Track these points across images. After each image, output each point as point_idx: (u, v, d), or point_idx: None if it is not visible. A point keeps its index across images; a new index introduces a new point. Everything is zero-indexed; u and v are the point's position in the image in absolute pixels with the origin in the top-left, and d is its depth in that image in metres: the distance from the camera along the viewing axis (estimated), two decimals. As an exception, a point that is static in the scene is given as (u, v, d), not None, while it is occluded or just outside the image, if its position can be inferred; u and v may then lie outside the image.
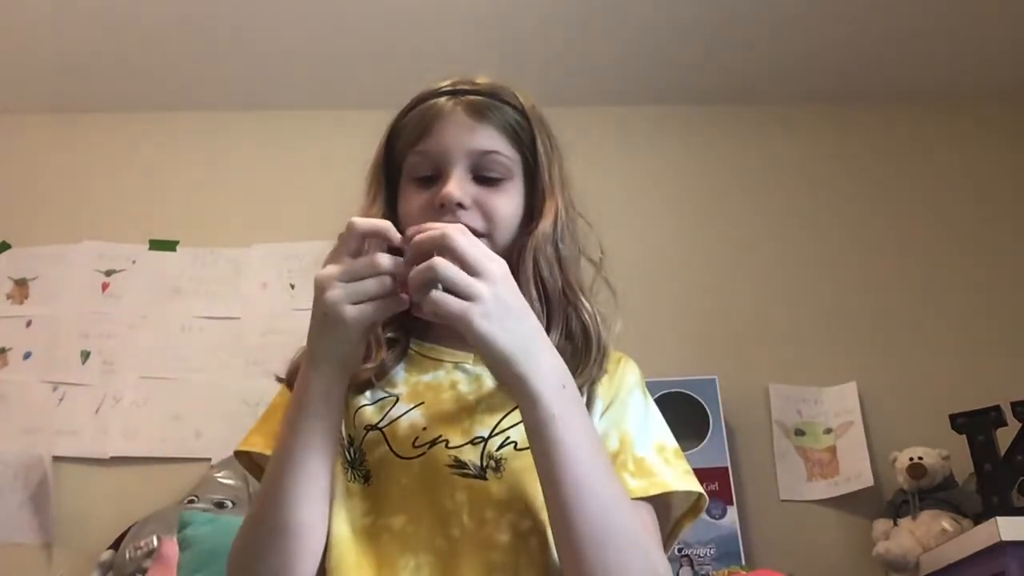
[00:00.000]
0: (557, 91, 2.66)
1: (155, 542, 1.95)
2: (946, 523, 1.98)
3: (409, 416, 0.83)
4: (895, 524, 2.10)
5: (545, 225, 0.87)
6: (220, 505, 2.07)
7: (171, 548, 1.88)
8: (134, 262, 2.55)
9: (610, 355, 0.88)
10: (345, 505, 0.80)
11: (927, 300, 2.48)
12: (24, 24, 2.41)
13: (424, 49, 2.45)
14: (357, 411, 0.85)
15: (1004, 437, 1.90)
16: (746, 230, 2.56)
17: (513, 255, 0.85)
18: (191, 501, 2.09)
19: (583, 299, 0.86)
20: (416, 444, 0.81)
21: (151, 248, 2.57)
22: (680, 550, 2.10)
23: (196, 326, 2.44)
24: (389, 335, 0.86)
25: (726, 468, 2.21)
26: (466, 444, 0.81)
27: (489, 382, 0.85)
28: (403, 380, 0.86)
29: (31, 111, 2.70)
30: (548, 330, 0.81)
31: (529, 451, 0.77)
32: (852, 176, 2.64)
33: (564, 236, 0.89)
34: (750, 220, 2.58)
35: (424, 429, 0.82)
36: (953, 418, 1.96)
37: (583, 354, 0.83)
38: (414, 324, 0.89)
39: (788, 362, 2.39)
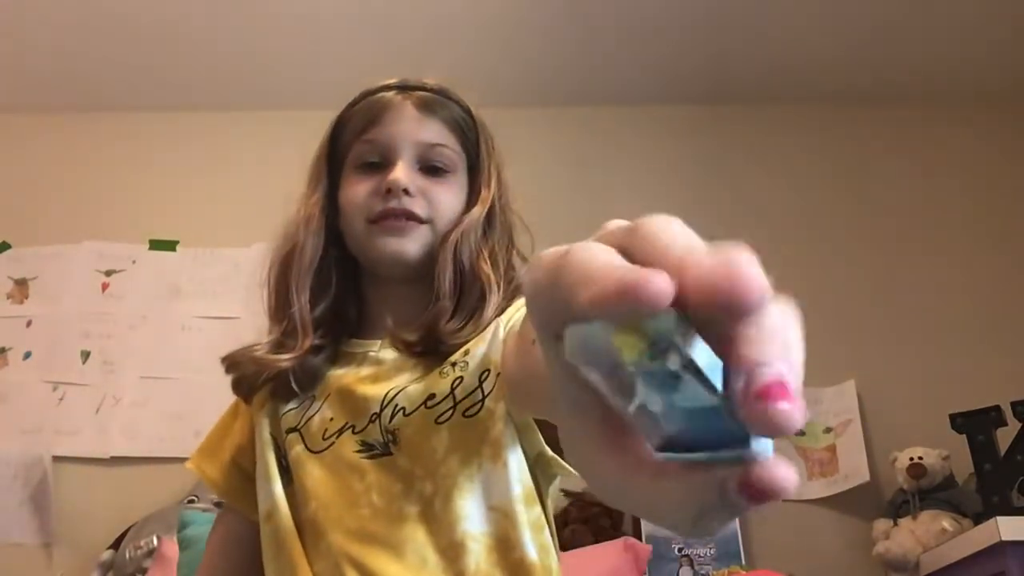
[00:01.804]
0: (552, 92, 2.66)
1: (155, 542, 1.95)
2: (946, 523, 1.98)
3: (320, 411, 0.86)
4: (895, 524, 2.10)
5: (475, 213, 0.89)
6: (220, 505, 2.07)
7: (171, 548, 1.88)
8: (134, 262, 2.55)
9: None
10: (287, 506, 0.84)
11: (927, 299, 2.48)
12: (24, 24, 2.41)
13: (417, 52, 2.45)
14: (282, 417, 0.88)
15: (1004, 437, 1.90)
16: (744, 229, 2.54)
17: (442, 238, 0.88)
18: (191, 501, 2.09)
19: (494, 284, 0.86)
20: (325, 436, 0.84)
21: (151, 248, 2.57)
22: (680, 550, 2.10)
23: (196, 326, 2.44)
24: (316, 342, 0.87)
25: (726, 468, 2.21)
26: (368, 425, 0.83)
27: (387, 365, 0.86)
28: (323, 379, 0.88)
29: (31, 111, 2.70)
30: (456, 309, 0.84)
31: (416, 413, 0.80)
32: (851, 176, 2.64)
33: (494, 228, 0.91)
34: (748, 220, 2.58)
35: (331, 420, 0.85)
36: (953, 418, 1.96)
37: (478, 320, 0.83)
38: (344, 326, 0.92)
39: (788, 362, 2.39)
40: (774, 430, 0.25)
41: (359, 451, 0.82)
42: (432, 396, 0.81)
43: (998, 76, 2.65)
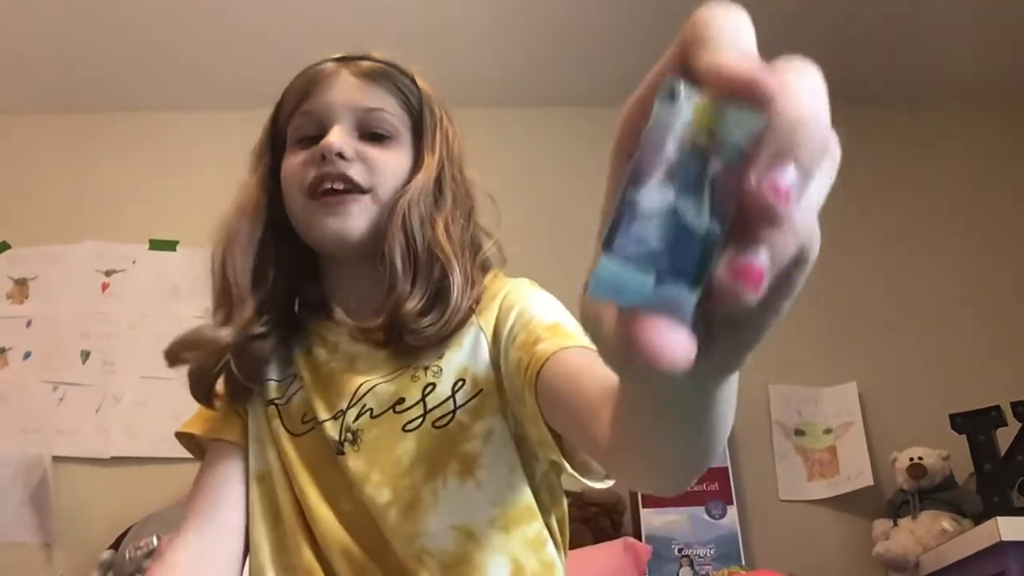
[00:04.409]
0: (551, 91, 2.66)
1: (155, 542, 1.95)
2: (946, 523, 1.98)
3: (299, 393, 0.85)
4: (895, 524, 2.10)
5: (420, 180, 0.83)
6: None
7: (171, 548, 1.88)
8: (134, 262, 2.55)
9: (491, 290, 0.84)
10: (284, 476, 0.82)
11: (927, 300, 2.48)
12: (24, 25, 2.41)
13: (414, 51, 2.45)
14: (265, 384, 0.87)
15: (1004, 437, 1.90)
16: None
17: (388, 209, 0.82)
18: (191, 501, 2.09)
19: (454, 260, 0.80)
20: (304, 420, 0.83)
21: (151, 248, 2.57)
22: (680, 550, 2.10)
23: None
24: (260, 329, 0.84)
25: (726, 468, 2.21)
26: (330, 420, 0.81)
27: (360, 360, 0.83)
28: (295, 361, 0.87)
29: (31, 111, 2.70)
30: (413, 287, 0.78)
31: (383, 417, 0.78)
32: (851, 176, 2.63)
33: (445, 197, 0.84)
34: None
35: (309, 405, 0.83)
36: (953, 418, 1.96)
37: (444, 307, 0.79)
38: (310, 309, 0.89)
39: (788, 362, 2.39)
40: (761, 211, 0.25)
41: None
42: (401, 400, 0.79)
43: (1001, 77, 2.65)
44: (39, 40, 2.47)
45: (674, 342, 0.26)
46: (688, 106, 0.26)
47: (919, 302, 2.48)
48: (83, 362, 2.42)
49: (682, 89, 0.26)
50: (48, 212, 2.61)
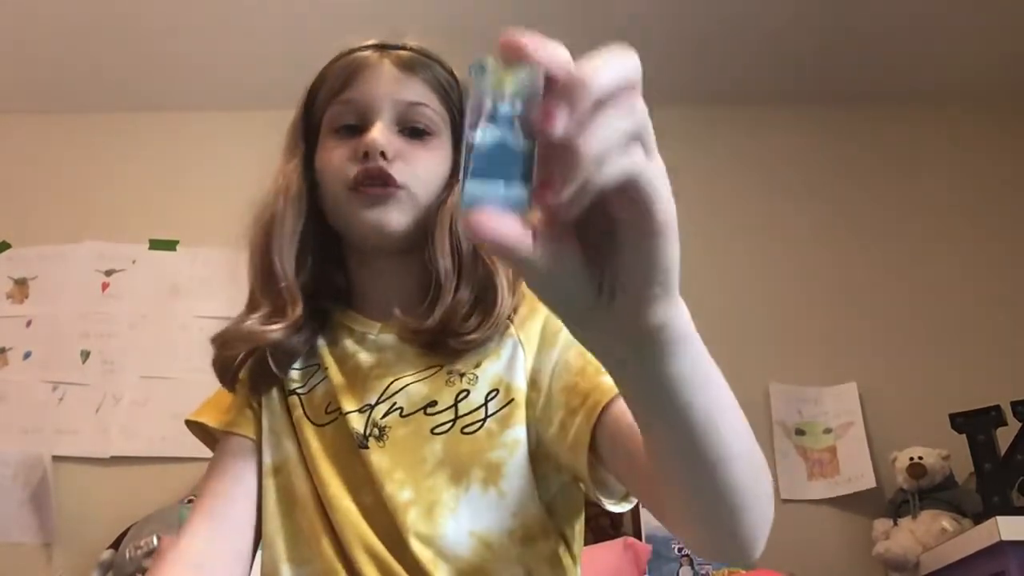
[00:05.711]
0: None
1: (155, 542, 1.95)
2: (946, 523, 1.98)
3: (324, 383, 0.84)
4: (895, 524, 2.10)
5: None
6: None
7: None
8: (134, 262, 2.55)
9: (530, 299, 0.84)
10: (304, 469, 0.81)
11: (927, 300, 2.48)
12: (24, 25, 2.41)
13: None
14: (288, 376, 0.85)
15: (1004, 437, 1.90)
16: (746, 230, 2.56)
17: (432, 210, 0.83)
18: (191, 501, 2.09)
19: (500, 268, 0.81)
20: (328, 410, 0.82)
21: (151, 248, 2.57)
22: (680, 549, 2.10)
23: (196, 326, 2.44)
24: (301, 315, 0.83)
25: (726, 468, 2.21)
26: (354, 412, 0.80)
27: (389, 352, 0.83)
28: (319, 351, 0.86)
29: (31, 111, 2.70)
30: (458, 285, 0.79)
31: (413, 417, 0.77)
32: (852, 177, 2.64)
33: None
34: (750, 220, 2.58)
35: (333, 396, 0.82)
36: (953, 418, 1.96)
37: (488, 311, 0.79)
38: (337, 298, 0.88)
39: (788, 362, 2.39)
40: (542, 129, 0.35)
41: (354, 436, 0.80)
42: (433, 403, 0.78)
43: (1000, 78, 2.65)
44: (39, 41, 2.47)
45: (506, 225, 0.36)
46: (493, 73, 0.37)
47: (919, 302, 2.48)
48: (83, 362, 2.42)
49: (487, 63, 0.37)
50: (48, 212, 2.61)
